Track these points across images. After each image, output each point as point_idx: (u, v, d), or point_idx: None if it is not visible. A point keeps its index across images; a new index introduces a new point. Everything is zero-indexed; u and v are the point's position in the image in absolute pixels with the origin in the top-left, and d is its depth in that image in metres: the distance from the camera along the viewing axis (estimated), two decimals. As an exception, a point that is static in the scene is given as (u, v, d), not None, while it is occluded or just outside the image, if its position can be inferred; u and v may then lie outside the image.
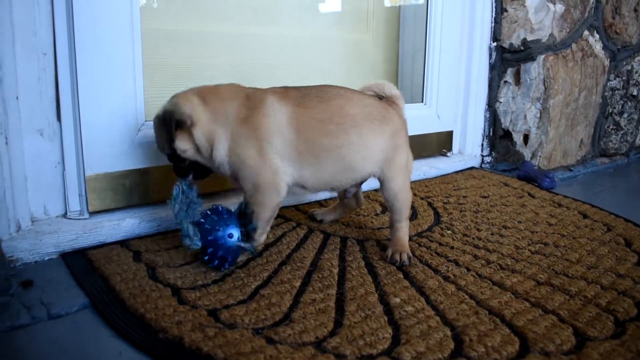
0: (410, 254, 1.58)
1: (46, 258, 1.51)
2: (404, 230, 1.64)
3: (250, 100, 1.49)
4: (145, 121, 1.75)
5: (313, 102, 1.51)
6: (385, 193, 1.62)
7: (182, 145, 1.46)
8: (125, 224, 1.65)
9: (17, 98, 1.50)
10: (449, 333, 1.18)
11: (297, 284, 1.39)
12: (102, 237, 1.60)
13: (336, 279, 1.44)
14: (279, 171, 1.47)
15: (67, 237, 1.54)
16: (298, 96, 1.52)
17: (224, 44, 2.20)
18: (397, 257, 1.55)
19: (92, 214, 1.67)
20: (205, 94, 1.49)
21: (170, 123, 1.42)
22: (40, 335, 1.17)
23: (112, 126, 1.67)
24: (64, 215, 1.65)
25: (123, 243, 1.61)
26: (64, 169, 1.62)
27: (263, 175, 1.46)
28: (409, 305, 1.30)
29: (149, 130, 1.75)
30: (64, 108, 1.59)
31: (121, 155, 1.70)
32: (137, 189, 1.74)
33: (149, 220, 1.69)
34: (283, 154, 1.47)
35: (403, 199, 1.62)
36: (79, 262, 1.49)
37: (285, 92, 1.53)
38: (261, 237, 1.53)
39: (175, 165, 1.54)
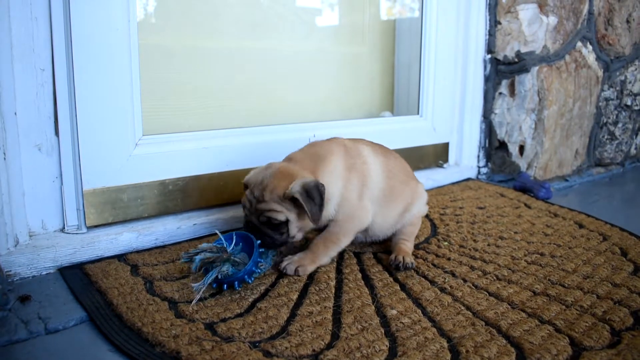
0: (413, 260, 1.62)
1: (44, 272, 1.52)
2: (408, 245, 1.72)
3: (349, 152, 1.65)
4: (143, 135, 1.76)
5: (388, 154, 1.78)
6: (408, 217, 1.77)
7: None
8: (123, 238, 1.66)
9: (15, 114, 1.51)
10: (445, 344, 1.19)
11: (295, 296, 1.40)
12: (99, 251, 1.61)
13: (333, 291, 1.44)
14: (368, 207, 1.64)
15: (65, 252, 1.55)
16: (377, 147, 1.77)
17: (222, 58, 2.22)
18: (401, 259, 1.60)
19: (90, 228, 1.68)
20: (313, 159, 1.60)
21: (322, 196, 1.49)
22: (38, 350, 1.17)
23: (110, 141, 1.68)
24: (62, 230, 1.65)
25: (121, 257, 1.61)
26: (61, 184, 1.63)
27: (360, 209, 1.63)
28: (405, 317, 1.31)
29: (147, 145, 1.77)
30: (61, 123, 1.60)
31: (119, 169, 1.71)
32: (134, 203, 1.75)
33: (147, 234, 1.70)
34: (372, 197, 1.65)
35: (418, 224, 1.81)
36: (77, 276, 1.49)
37: (373, 145, 1.77)
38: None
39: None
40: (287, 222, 1.50)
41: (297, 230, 1.53)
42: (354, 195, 1.60)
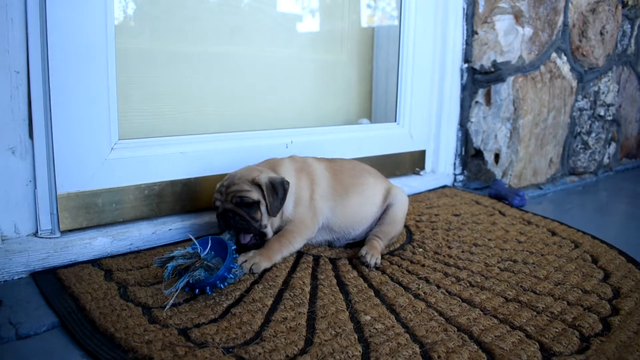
0: (378, 260, 1.70)
1: (16, 277, 1.50)
2: (380, 244, 1.79)
3: (296, 159, 1.88)
4: (119, 140, 1.75)
5: (334, 160, 1.96)
6: (385, 216, 1.90)
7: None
8: (97, 243, 1.65)
9: (-12, 116, 1.49)
10: (417, 350, 1.20)
11: (269, 302, 1.40)
12: (73, 256, 1.59)
13: (308, 297, 1.45)
14: (319, 210, 1.80)
15: (38, 256, 1.53)
16: (325, 159, 1.95)
17: (200, 63, 2.21)
18: (367, 258, 1.69)
19: (64, 232, 1.66)
20: (274, 166, 1.81)
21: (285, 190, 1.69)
22: (8, 356, 1.16)
23: (85, 144, 1.67)
24: (35, 234, 1.63)
25: (95, 262, 1.60)
26: (35, 187, 1.61)
27: (312, 212, 1.79)
28: (379, 322, 1.32)
29: (122, 149, 1.76)
30: (36, 126, 1.58)
31: (94, 173, 1.69)
32: (109, 207, 1.74)
33: (122, 239, 1.69)
34: (323, 193, 1.82)
35: (394, 224, 1.88)
36: (49, 281, 1.47)
37: (317, 159, 1.94)
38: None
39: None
40: (259, 203, 1.63)
41: (267, 219, 1.67)
42: (306, 195, 1.79)
